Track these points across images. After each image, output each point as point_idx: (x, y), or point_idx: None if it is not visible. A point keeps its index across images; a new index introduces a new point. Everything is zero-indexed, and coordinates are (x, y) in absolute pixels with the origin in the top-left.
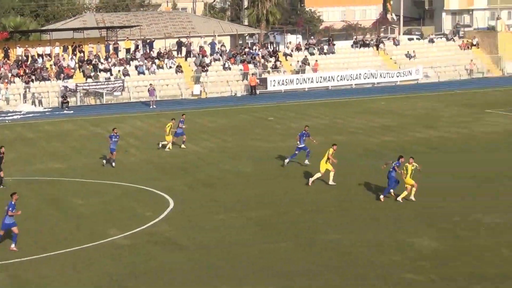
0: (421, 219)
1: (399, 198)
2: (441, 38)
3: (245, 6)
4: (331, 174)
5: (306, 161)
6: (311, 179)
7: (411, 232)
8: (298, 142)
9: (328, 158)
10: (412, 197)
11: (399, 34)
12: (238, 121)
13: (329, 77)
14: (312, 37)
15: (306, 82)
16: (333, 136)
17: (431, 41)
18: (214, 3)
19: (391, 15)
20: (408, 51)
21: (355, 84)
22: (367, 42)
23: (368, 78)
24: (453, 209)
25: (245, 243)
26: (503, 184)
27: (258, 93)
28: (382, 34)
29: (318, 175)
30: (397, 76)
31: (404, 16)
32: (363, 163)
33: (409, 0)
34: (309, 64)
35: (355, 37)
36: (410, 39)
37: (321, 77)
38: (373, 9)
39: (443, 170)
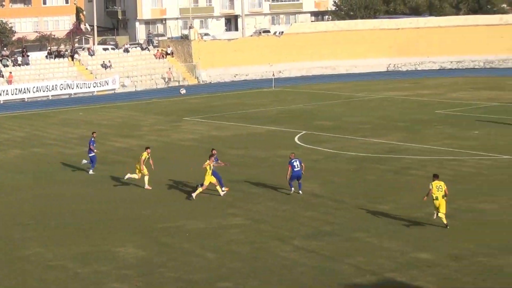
0: (127, 228)
1: (193, 195)
2: (136, 47)
3: None
4: (146, 179)
5: (84, 161)
6: (126, 176)
7: (116, 241)
8: (91, 149)
9: (143, 161)
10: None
11: (93, 44)
12: None
13: (24, 88)
14: (5, 49)
15: (1, 94)
16: (31, 149)
17: (126, 50)
18: None
19: (85, 25)
20: (104, 61)
21: (51, 95)
22: (62, 52)
23: (65, 89)
24: (157, 217)
25: None
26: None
27: None
28: (76, 45)
29: (134, 176)
30: (94, 86)
31: (98, 26)
32: (61, 175)
33: (102, 10)
34: (3, 76)
35: (49, 48)
36: (105, 49)
37: (16, 89)
38: (66, 19)
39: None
